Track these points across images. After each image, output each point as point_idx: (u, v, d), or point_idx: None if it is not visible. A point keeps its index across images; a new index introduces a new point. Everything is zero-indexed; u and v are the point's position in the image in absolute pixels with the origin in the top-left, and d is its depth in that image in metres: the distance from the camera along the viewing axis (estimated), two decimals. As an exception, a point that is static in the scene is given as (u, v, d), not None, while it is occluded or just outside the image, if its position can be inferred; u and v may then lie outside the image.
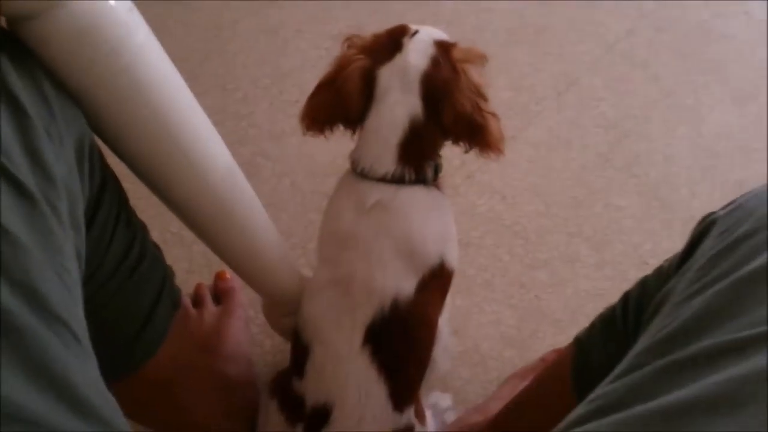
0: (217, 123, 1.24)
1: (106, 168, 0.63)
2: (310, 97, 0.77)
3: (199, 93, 0.67)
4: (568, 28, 1.48)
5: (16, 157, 0.45)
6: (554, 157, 1.28)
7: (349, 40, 0.79)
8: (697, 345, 0.40)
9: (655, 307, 0.51)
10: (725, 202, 0.55)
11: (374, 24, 1.45)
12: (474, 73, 0.75)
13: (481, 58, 0.77)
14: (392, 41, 0.76)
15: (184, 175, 0.67)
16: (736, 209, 0.51)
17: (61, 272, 0.46)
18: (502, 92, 1.36)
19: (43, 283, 0.43)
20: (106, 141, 0.62)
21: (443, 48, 0.75)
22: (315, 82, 0.78)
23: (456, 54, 0.75)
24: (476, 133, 0.74)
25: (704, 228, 0.53)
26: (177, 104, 0.63)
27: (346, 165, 0.80)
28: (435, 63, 0.74)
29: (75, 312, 0.47)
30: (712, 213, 0.55)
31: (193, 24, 1.45)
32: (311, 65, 1.38)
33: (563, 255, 1.16)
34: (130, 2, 0.55)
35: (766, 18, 1.52)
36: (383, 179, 0.74)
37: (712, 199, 1.23)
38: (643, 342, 0.46)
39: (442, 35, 0.78)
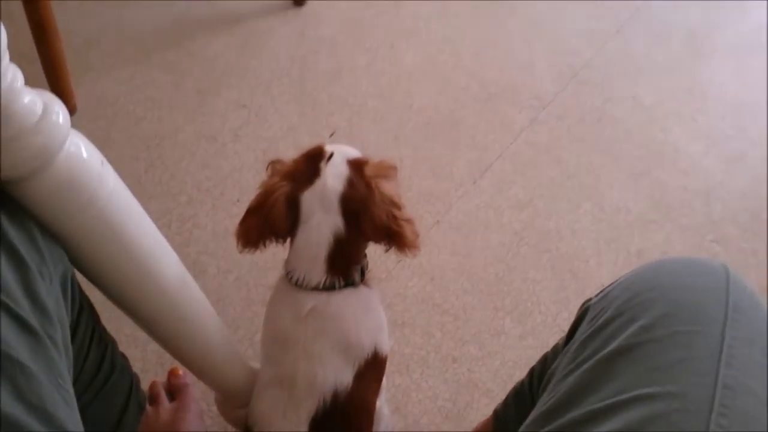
0: (163, 226, 1.33)
1: (82, 293, 0.72)
2: (242, 222, 0.83)
3: (145, 199, 0.72)
4: (478, 120, 1.62)
5: (20, 299, 0.53)
6: (475, 238, 1.40)
7: (273, 166, 0.86)
8: (567, 417, 0.51)
9: (545, 384, 0.62)
10: (628, 270, 0.65)
11: (304, 125, 1.58)
12: (386, 186, 0.81)
13: (391, 170, 0.85)
14: (311, 166, 0.82)
15: (144, 291, 0.75)
16: (604, 297, 0.62)
17: (63, 393, 0.54)
18: (424, 180, 1.49)
19: (52, 404, 0.51)
20: (79, 269, 0.70)
21: (357, 166, 0.82)
22: (254, 182, 0.83)
23: (368, 171, 0.82)
24: (393, 238, 0.81)
25: (581, 314, 0.64)
26: (139, 234, 0.72)
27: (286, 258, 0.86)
28: (350, 184, 0.80)
29: (77, 425, 0.55)
30: (588, 300, 0.66)
31: (137, 135, 1.52)
32: (249, 166, 1.46)
33: (490, 328, 1.26)
34: (101, 156, 0.65)
35: (650, 101, 1.70)
36: (316, 288, 0.82)
37: (616, 268, 1.37)
38: (532, 415, 0.57)
39: (354, 153, 0.85)
